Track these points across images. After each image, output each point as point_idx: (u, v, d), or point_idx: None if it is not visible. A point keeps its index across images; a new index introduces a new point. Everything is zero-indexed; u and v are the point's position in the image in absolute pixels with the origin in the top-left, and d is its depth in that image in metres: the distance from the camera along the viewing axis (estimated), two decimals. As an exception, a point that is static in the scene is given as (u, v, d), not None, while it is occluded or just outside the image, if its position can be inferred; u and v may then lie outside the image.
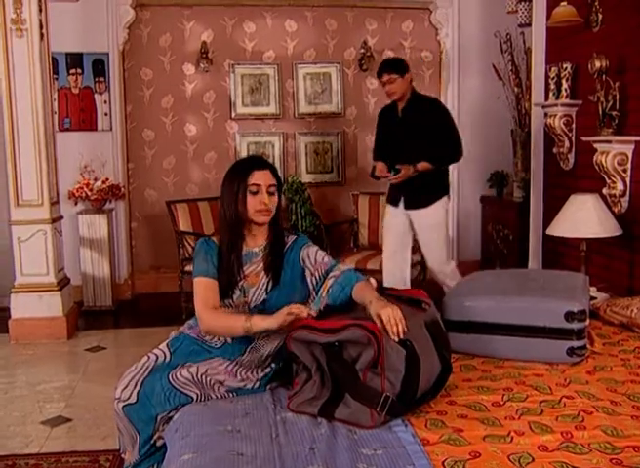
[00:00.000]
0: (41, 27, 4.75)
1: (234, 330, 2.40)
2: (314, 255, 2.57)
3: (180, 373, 2.38)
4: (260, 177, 2.53)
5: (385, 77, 4.35)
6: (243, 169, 2.56)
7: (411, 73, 4.43)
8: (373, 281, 2.52)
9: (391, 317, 2.17)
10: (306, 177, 6.20)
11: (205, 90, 6.09)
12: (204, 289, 2.50)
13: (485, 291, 2.89)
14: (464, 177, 6.34)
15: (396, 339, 2.17)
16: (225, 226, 2.57)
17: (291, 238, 2.63)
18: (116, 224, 5.86)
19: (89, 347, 4.70)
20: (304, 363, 2.30)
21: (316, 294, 2.53)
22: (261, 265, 2.57)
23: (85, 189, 5.44)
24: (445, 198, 4.52)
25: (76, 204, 5.56)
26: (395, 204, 4.56)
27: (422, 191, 4.43)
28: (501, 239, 5.92)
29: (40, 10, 4.74)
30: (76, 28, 5.68)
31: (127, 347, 4.75)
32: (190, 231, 5.24)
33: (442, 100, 6.20)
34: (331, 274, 2.50)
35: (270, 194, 2.53)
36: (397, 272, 4.64)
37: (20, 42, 4.68)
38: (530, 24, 5.64)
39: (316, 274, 2.54)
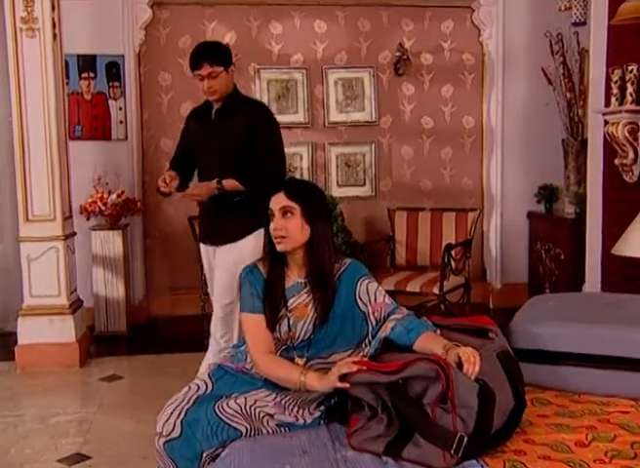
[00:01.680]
0: (54, 27, 4.75)
1: (287, 383, 2.43)
2: (374, 293, 2.54)
3: (227, 404, 2.36)
4: (273, 202, 2.54)
5: (205, 69, 3.49)
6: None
7: (234, 66, 3.71)
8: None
9: (470, 355, 2.17)
10: (337, 191, 6.14)
11: (228, 96, 6.05)
12: (254, 327, 2.54)
13: (556, 316, 2.81)
14: (509, 191, 6.26)
15: (472, 378, 2.15)
16: (266, 256, 2.61)
17: (343, 263, 2.60)
18: (131, 241, 5.84)
19: (104, 376, 4.64)
20: (367, 402, 2.24)
21: (372, 337, 2.51)
22: (309, 298, 2.55)
23: (98, 203, 5.41)
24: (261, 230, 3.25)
25: (88, 219, 5.52)
26: (203, 240, 3.86)
27: (231, 221, 3.62)
28: (552, 259, 5.83)
29: (53, 8, 4.73)
30: (89, 28, 5.69)
31: (145, 376, 4.69)
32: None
33: (485, 107, 6.28)
34: (392, 316, 2.49)
35: (286, 218, 2.50)
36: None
37: (32, 43, 4.68)
38: (585, 23, 5.61)
39: (375, 314, 2.52)
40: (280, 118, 5.97)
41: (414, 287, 5.08)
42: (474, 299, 5.64)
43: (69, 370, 4.75)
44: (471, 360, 2.17)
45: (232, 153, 3.58)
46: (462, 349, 2.22)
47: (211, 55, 3.55)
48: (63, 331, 4.81)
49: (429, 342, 2.37)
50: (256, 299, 2.54)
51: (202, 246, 3.85)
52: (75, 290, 5.03)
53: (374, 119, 6.20)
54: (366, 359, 2.32)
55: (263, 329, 2.52)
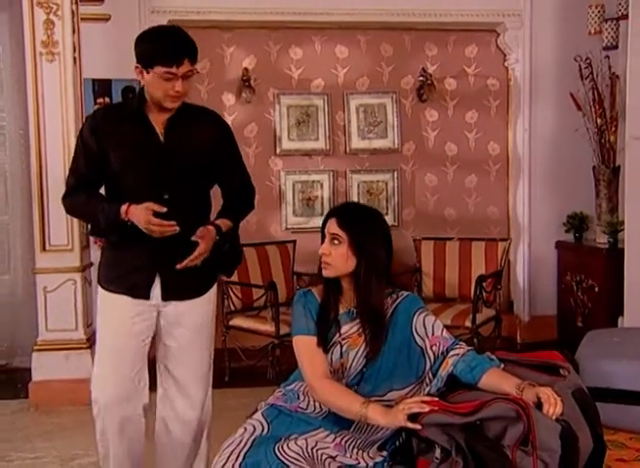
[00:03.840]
0: (74, 51, 4.72)
1: (347, 413, 2.36)
2: (431, 326, 2.49)
3: (288, 446, 2.28)
4: (327, 224, 2.55)
5: (184, 67, 2.71)
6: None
7: None
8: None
9: (550, 396, 2.11)
10: (359, 220, 6.05)
11: (247, 122, 6.01)
12: (309, 350, 2.48)
13: (624, 353, 2.72)
14: (537, 220, 6.20)
15: (553, 418, 2.08)
16: (320, 280, 2.59)
17: (400, 295, 2.55)
18: (147, 273, 5.72)
19: (123, 414, 4.51)
20: (439, 444, 2.15)
21: (433, 375, 2.44)
22: (361, 328, 2.51)
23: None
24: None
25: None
26: (138, 293, 2.88)
27: (197, 269, 2.87)
28: (584, 291, 5.74)
29: (73, 31, 4.70)
30: (104, 52, 5.62)
31: (166, 414, 4.56)
32: (236, 281, 5.09)
33: (511, 133, 6.24)
34: (452, 352, 2.42)
35: (333, 244, 2.49)
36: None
37: (51, 67, 4.65)
38: (617, 47, 5.59)
39: (434, 349, 2.45)
40: (300, 145, 6.05)
41: (444, 320, 4.96)
42: (502, 332, 5.55)
43: (86, 407, 4.56)
44: (552, 400, 2.11)
45: (196, 175, 2.88)
46: (541, 389, 2.16)
47: (192, 50, 2.75)
48: (80, 366, 4.70)
49: (498, 380, 2.29)
50: (310, 321, 2.51)
51: (128, 300, 2.87)
52: (92, 323, 4.92)
53: (396, 146, 6.15)
54: (437, 399, 2.23)
55: (319, 351, 2.48)
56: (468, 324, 4.92)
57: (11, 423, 4.46)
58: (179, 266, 2.77)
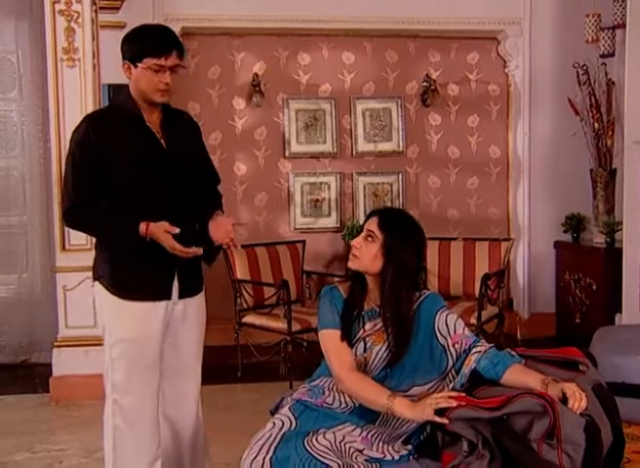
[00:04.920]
0: (93, 57, 4.71)
1: (373, 404, 2.39)
2: (453, 324, 2.50)
3: (317, 440, 2.30)
4: (368, 221, 2.57)
5: (173, 60, 2.67)
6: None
7: None
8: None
9: (576, 391, 2.13)
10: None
11: (256, 126, 6.03)
12: (336, 343, 2.50)
13: (638, 349, 2.74)
14: (536, 221, 6.24)
15: (578, 412, 2.10)
16: (347, 275, 2.63)
17: (423, 294, 2.58)
18: (161, 271, 5.72)
19: (141, 408, 4.52)
20: (466, 438, 2.17)
21: (456, 372, 2.45)
22: (384, 327, 2.51)
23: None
24: None
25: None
26: (161, 293, 2.78)
27: (197, 263, 2.87)
28: (582, 289, 5.78)
29: (92, 38, 4.70)
30: (118, 58, 5.62)
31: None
32: (249, 279, 5.10)
33: (511, 137, 6.28)
34: (474, 349, 2.44)
35: (367, 240, 2.51)
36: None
37: (72, 73, 4.64)
38: (613, 55, 5.63)
39: (456, 346, 2.46)
40: (308, 148, 6.06)
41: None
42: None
43: (104, 402, 4.63)
44: (577, 395, 2.13)
45: (195, 176, 2.83)
46: (566, 384, 2.18)
47: (179, 44, 2.70)
48: (99, 362, 4.65)
49: (522, 376, 2.31)
50: (336, 316, 2.53)
51: (149, 305, 2.75)
52: (109, 321, 4.94)
53: (401, 149, 6.17)
54: (463, 394, 2.25)
55: (345, 345, 2.50)
56: (474, 321, 4.93)
57: (33, 416, 4.47)
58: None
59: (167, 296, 2.78)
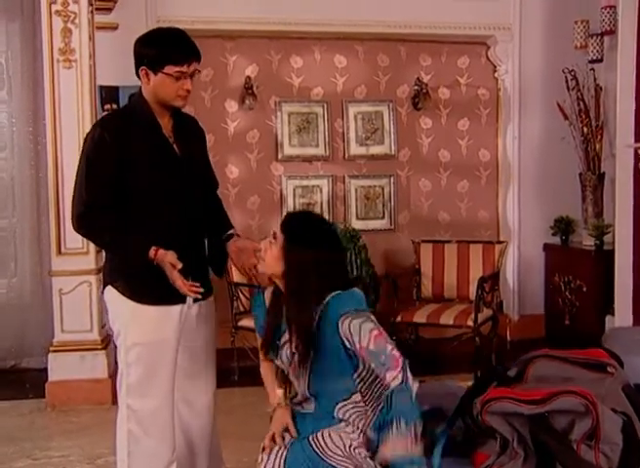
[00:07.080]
0: (89, 58, 4.64)
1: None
2: (358, 334, 2.26)
3: (322, 438, 2.33)
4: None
5: (193, 67, 2.65)
6: None
7: None
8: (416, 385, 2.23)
9: None
10: (356, 224, 6.04)
11: (249, 128, 5.98)
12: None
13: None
14: (525, 224, 6.25)
15: None
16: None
17: (323, 302, 2.36)
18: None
19: (140, 413, 4.45)
20: (501, 434, 2.14)
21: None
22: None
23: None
24: None
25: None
26: (174, 298, 2.69)
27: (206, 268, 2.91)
28: (572, 291, 5.81)
29: (89, 39, 4.63)
30: (112, 59, 5.49)
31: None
32: (245, 282, 5.05)
33: (500, 141, 6.31)
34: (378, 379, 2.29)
35: (272, 243, 2.50)
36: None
37: (68, 74, 4.57)
38: (602, 60, 5.68)
39: (364, 360, 2.33)
40: (301, 151, 6.02)
41: (447, 319, 5.02)
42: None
43: (102, 407, 4.55)
44: None
45: (199, 180, 2.83)
46: None
47: (198, 50, 2.68)
48: (95, 367, 4.63)
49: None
50: (258, 325, 2.60)
51: (164, 309, 2.72)
52: (106, 325, 4.85)
53: (392, 152, 6.16)
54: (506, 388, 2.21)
55: (265, 357, 2.61)
56: (470, 323, 4.93)
57: (30, 422, 4.38)
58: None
59: (182, 300, 2.72)
